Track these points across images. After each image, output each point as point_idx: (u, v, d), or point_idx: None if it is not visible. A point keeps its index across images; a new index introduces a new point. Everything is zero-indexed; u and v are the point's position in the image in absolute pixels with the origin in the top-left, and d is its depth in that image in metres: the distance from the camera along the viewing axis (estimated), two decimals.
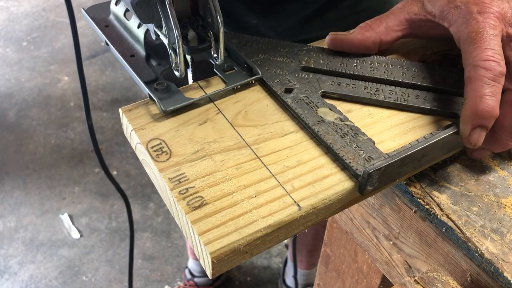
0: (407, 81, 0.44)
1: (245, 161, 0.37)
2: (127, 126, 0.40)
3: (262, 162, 0.37)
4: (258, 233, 0.32)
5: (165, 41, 0.41)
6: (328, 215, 0.37)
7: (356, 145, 0.38)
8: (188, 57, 0.44)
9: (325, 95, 0.43)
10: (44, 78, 2.41)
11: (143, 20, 0.41)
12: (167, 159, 0.37)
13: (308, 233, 1.33)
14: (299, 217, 0.34)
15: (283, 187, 0.35)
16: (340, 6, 0.73)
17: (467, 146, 0.38)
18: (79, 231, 1.75)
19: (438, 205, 0.39)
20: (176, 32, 0.38)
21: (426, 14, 0.43)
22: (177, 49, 0.39)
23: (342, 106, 0.43)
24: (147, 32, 0.44)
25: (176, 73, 0.42)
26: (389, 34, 0.45)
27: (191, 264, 1.59)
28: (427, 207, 0.39)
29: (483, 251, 0.35)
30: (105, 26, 0.49)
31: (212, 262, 0.31)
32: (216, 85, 0.44)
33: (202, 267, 1.57)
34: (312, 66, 0.46)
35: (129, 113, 0.41)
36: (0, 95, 2.30)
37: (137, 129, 0.39)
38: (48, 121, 2.17)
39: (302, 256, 1.44)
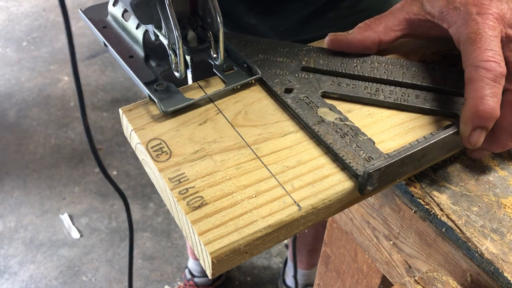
0: (407, 81, 0.44)
1: (245, 161, 0.37)
2: (127, 126, 0.40)
3: (262, 162, 0.37)
4: (258, 233, 0.32)
5: (165, 41, 0.41)
6: (328, 215, 0.37)
7: (356, 145, 0.38)
8: (188, 58, 0.44)
9: (325, 95, 0.43)
10: (44, 78, 2.41)
11: (142, 21, 0.41)
12: (167, 159, 0.37)
13: (308, 233, 1.33)
14: (299, 217, 0.34)
15: (283, 187, 0.35)
16: (340, 6, 0.73)
17: (466, 146, 0.38)
18: (79, 231, 1.75)
19: (438, 205, 0.39)
20: (176, 33, 0.38)
21: (425, 14, 0.43)
22: (177, 50, 0.39)
23: (342, 106, 0.43)
24: (145, 33, 0.44)
25: (176, 74, 0.42)
26: (388, 34, 0.45)
27: (191, 264, 1.59)
28: (427, 207, 0.39)
29: (483, 251, 0.35)
30: (103, 27, 0.49)
31: (212, 262, 0.31)
32: (216, 85, 0.44)
33: (202, 267, 1.57)
34: (312, 66, 0.46)
35: (129, 113, 0.41)
36: (0, 95, 2.30)
37: (137, 129, 0.39)
38: (48, 121, 2.17)
39: (302, 256, 1.44)
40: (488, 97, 0.36)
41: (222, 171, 0.36)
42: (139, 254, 1.69)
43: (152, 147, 0.38)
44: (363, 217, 0.49)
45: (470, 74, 0.37)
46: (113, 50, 0.45)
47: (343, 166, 0.37)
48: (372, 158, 0.37)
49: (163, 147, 0.38)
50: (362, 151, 0.37)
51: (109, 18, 0.49)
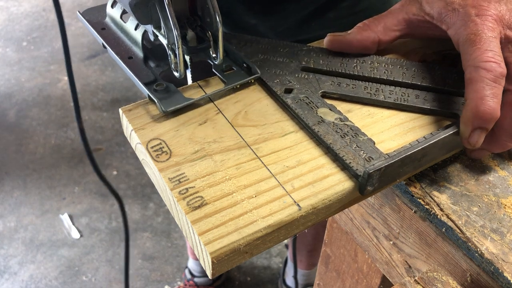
0: (407, 81, 0.44)
1: (245, 161, 0.37)
2: (127, 126, 0.40)
3: (262, 162, 0.37)
4: (258, 233, 0.32)
5: (164, 41, 0.41)
6: (328, 215, 0.37)
7: (356, 145, 0.38)
8: (187, 58, 0.44)
9: (325, 95, 0.43)
10: (44, 78, 2.41)
11: (141, 21, 0.41)
12: (167, 159, 0.37)
13: (308, 233, 1.33)
14: (299, 217, 0.34)
15: (283, 187, 0.35)
16: (339, 6, 0.73)
17: (466, 147, 0.38)
18: (79, 231, 1.75)
19: (438, 205, 0.39)
20: (175, 32, 0.38)
21: (424, 15, 0.43)
22: (176, 50, 0.39)
23: (342, 106, 0.43)
24: (144, 34, 0.44)
25: (176, 74, 0.42)
26: (388, 34, 0.46)
27: (191, 264, 1.59)
28: (427, 207, 0.39)
29: (483, 251, 0.35)
30: (102, 28, 0.49)
31: (212, 262, 0.31)
32: (216, 85, 0.44)
33: (202, 267, 1.57)
34: (312, 66, 0.46)
35: (129, 113, 0.41)
36: (0, 95, 2.30)
37: (137, 129, 0.39)
38: (48, 121, 2.17)
39: (302, 256, 1.44)
40: (488, 97, 0.36)
41: (222, 171, 0.36)
42: (139, 254, 1.69)
43: (152, 147, 0.38)
44: (363, 217, 0.49)
45: (471, 75, 0.37)
46: (112, 52, 0.45)
47: (343, 166, 0.37)
48: (372, 158, 0.37)
49: (163, 147, 0.38)
50: (362, 151, 0.37)
51: (107, 19, 0.49)
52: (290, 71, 0.45)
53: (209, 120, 0.40)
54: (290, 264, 1.54)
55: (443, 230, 0.38)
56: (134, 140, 0.39)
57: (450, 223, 0.37)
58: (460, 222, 0.37)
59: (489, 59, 0.37)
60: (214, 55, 0.43)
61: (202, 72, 0.45)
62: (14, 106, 2.24)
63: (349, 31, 0.47)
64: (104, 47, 0.47)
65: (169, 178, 0.35)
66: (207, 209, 0.33)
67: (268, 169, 0.36)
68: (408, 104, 0.42)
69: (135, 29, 0.45)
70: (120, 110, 0.41)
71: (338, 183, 0.36)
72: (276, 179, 0.36)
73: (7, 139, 2.08)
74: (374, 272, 0.57)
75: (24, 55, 2.55)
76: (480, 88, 0.36)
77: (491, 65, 0.36)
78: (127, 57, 0.45)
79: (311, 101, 0.42)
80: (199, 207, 0.33)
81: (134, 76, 0.42)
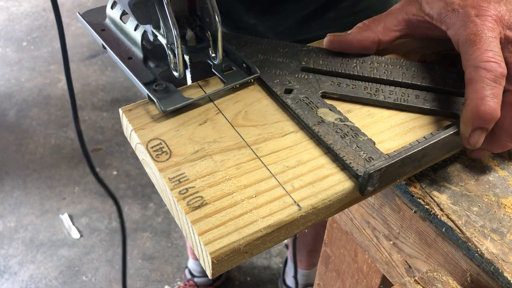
0: (407, 81, 0.44)
1: (245, 161, 0.37)
2: (127, 126, 0.40)
3: (262, 162, 0.37)
4: (258, 233, 0.32)
5: (163, 41, 0.41)
6: (328, 215, 0.37)
7: (357, 146, 0.38)
8: (187, 58, 0.44)
9: (325, 95, 0.43)
10: (44, 78, 2.41)
11: (140, 21, 0.41)
12: (167, 159, 0.37)
13: (308, 233, 1.33)
14: (299, 217, 0.34)
15: (283, 187, 0.35)
16: (339, 6, 0.73)
17: (466, 147, 0.38)
18: (79, 231, 1.75)
19: (438, 205, 0.39)
20: (174, 32, 0.38)
21: (424, 15, 0.43)
22: (176, 49, 0.39)
23: (342, 106, 0.43)
24: (144, 34, 0.45)
25: (175, 74, 0.42)
26: (388, 34, 0.46)
27: (191, 264, 1.59)
28: (427, 207, 0.39)
29: (483, 251, 0.35)
30: (102, 30, 0.49)
31: (212, 262, 0.31)
32: (215, 85, 0.44)
33: (202, 267, 1.57)
34: (312, 66, 0.46)
35: (129, 113, 0.41)
36: (0, 95, 2.30)
37: (137, 129, 0.39)
38: (48, 121, 2.17)
39: (302, 256, 1.44)
40: (488, 98, 0.36)
41: (222, 171, 0.36)
42: (139, 254, 1.69)
43: (152, 147, 0.38)
44: (363, 217, 0.49)
45: (471, 75, 0.37)
46: (112, 52, 0.46)
47: (343, 166, 0.37)
48: (373, 159, 0.37)
49: (163, 147, 0.38)
50: (363, 152, 0.37)
51: (107, 21, 0.50)
52: (290, 71, 0.45)
53: (209, 120, 0.40)
54: (290, 264, 1.54)
55: (443, 230, 0.38)
56: (134, 140, 0.39)
57: (450, 223, 0.37)
58: (460, 222, 0.37)
59: (489, 59, 0.37)
60: (213, 55, 0.43)
61: (202, 73, 0.45)
62: (14, 106, 2.24)
63: (349, 31, 0.47)
64: (104, 48, 0.47)
65: (169, 178, 0.35)
66: (207, 209, 0.33)
67: (268, 169, 0.36)
68: (408, 104, 0.42)
69: (135, 29, 0.45)
70: (120, 110, 0.41)
71: (338, 183, 0.36)
72: (276, 179, 0.36)
73: (7, 139, 2.08)
74: (374, 272, 0.57)
75: (24, 55, 2.55)
76: (480, 88, 0.36)
77: (491, 65, 0.36)
78: (127, 57, 0.45)
79: (311, 101, 0.42)
80: (199, 207, 0.33)
81: (134, 76, 0.43)
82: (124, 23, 0.47)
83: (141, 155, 0.39)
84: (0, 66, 2.48)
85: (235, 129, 0.39)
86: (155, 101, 0.40)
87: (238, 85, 0.43)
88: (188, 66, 0.45)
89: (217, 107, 0.42)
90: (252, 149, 0.38)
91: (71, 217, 1.80)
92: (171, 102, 0.40)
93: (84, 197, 1.86)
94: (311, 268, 1.49)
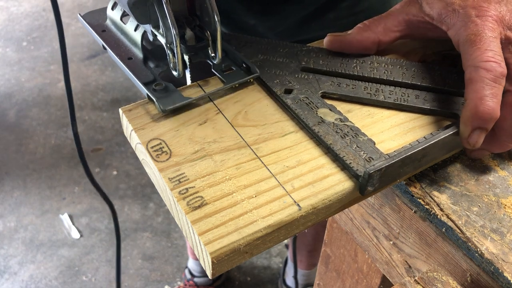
0: (407, 81, 0.44)
1: (245, 161, 0.37)
2: (127, 126, 0.40)
3: (262, 162, 0.37)
4: (258, 233, 0.32)
5: (163, 41, 0.41)
6: (328, 215, 0.37)
7: (357, 146, 0.38)
8: (186, 57, 0.44)
9: (325, 95, 0.43)
10: (44, 78, 2.41)
11: (140, 20, 0.41)
12: (167, 159, 0.37)
13: (308, 233, 1.33)
14: (299, 217, 0.34)
15: (283, 187, 0.35)
16: (339, 7, 0.73)
17: (466, 147, 0.38)
18: (79, 231, 1.75)
19: (438, 205, 0.39)
20: (173, 31, 0.38)
21: (424, 16, 0.43)
22: (175, 48, 0.39)
23: (342, 106, 0.43)
24: (144, 35, 0.45)
25: (174, 73, 0.42)
26: (388, 35, 0.45)
27: (191, 264, 1.59)
28: (427, 207, 0.39)
29: (483, 251, 0.35)
30: (102, 31, 0.49)
31: (212, 262, 0.31)
32: (215, 85, 0.44)
33: (202, 267, 1.57)
34: (312, 66, 0.46)
35: (129, 113, 0.41)
36: (0, 95, 2.30)
37: (137, 129, 0.39)
38: (48, 121, 2.17)
39: (302, 256, 1.44)
40: (488, 97, 0.36)
41: (222, 171, 0.36)
42: (139, 254, 1.69)
43: (152, 147, 0.38)
44: (363, 217, 0.49)
45: (470, 75, 0.37)
46: (112, 53, 0.46)
47: (343, 166, 0.37)
48: (373, 159, 0.37)
49: (163, 147, 0.38)
50: (363, 152, 0.37)
51: (108, 22, 0.50)
52: (290, 71, 0.45)
53: (209, 120, 0.40)
54: (290, 264, 1.54)
55: (443, 230, 0.38)
56: (134, 140, 0.39)
57: (450, 223, 0.37)
58: (460, 222, 0.37)
59: (489, 59, 0.37)
60: (212, 55, 0.43)
61: (202, 73, 0.45)
62: (14, 106, 2.24)
63: (349, 32, 0.47)
64: (105, 48, 0.47)
65: (169, 178, 0.35)
66: (207, 209, 0.33)
67: (268, 169, 0.36)
68: (408, 104, 0.42)
69: (135, 30, 0.45)
70: (120, 110, 0.41)
71: (338, 183, 0.36)
72: (276, 179, 0.36)
73: (7, 139, 2.08)
74: (374, 272, 0.57)
75: (24, 55, 2.55)
76: (479, 88, 0.36)
77: (491, 65, 0.36)
78: (127, 58, 0.45)
79: (311, 101, 0.42)
80: (199, 207, 0.33)
81: (134, 76, 0.43)
82: (125, 24, 0.47)
83: (141, 155, 0.39)
84: (0, 66, 2.48)
85: (235, 129, 0.39)
86: (154, 100, 0.40)
87: (237, 85, 0.43)
88: (188, 66, 0.45)
89: (217, 107, 0.42)
90: (252, 149, 0.38)
91: (71, 217, 1.80)
92: (170, 102, 0.40)
93: (84, 197, 1.86)
94: (311, 268, 1.49)
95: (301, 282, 1.51)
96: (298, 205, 0.34)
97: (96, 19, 0.51)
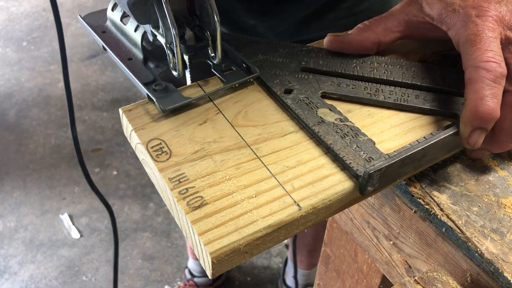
0: (406, 81, 0.44)
1: (245, 161, 0.37)
2: (127, 126, 0.40)
3: (262, 162, 0.37)
4: (258, 233, 0.32)
5: (162, 41, 0.41)
6: (328, 215, 0.37)
7: (357, 146, 0.38)
8: (186, 57, 0.44)
9: (325, 95, 0.43)
10: (44, 78, 2.41)
11: (139, 20, 0.41)
12: (167, 159, 0.37)
13: (308, 233, 1.33)
14: (299, 217, 0.34)
15: (283, 187, 0.35)
16: (339, 7, 0.73)
17: (466, 147, 0.38)
18: (79, 231, 1.75)
19: (438, 205, 0.39)
20: (173, 31, 0.38)
21: (424, 16, 0.43)
22: (175, 48, 0.39)
23: (342, 106, 0.43)
24: (144, 35, 0.45)
25: (174, 73, 0.42)
26: (388, 35, 0.46)
27: (191, 264, 1.59)
28: (427, 207, 0.39)
29: (483, 251, 0.35)
30: (102, 32, 0.49)
31: (212, 262, 0.31)
32: (215, 85, 0.44)
33: (202, 267, 1.57)
34: (312, 66, 0.46)
35: (129, 113, 0.41)
36: (0, 95, 2.30)
37: (137, 129, 0.39)
38: (48, 121, 2.17)
39: (302, 256, 1.44)
40: (488, 98, 0.36)
41: (222, 171, 0.36)
42: (139, 254, 1.69)
43: (152, 147, 0.38)
44: (363, 217, 0.49)
45: (470, 75, 0.37)
46: (112, 54, 0.46)
47: (343, 166, 0.37)
48: (373, 159, 0.37)
49: (163, 147, 0.38)
50: (363, 152, 0.37)
51: (108, 23, 0.50)
52: (290, 71, 0.45)
53: (209, 120, 0.40)
54: (290, 264, 1.54)
55: (443, 230, 0.38)
56: (134, 140, 0.39)
57: (450, 223, 0.37)
58: (460, 222, 0.37)
59: (489, 59, 0.37)
60: (212, 55, 0.43)
61: (202, 73, 0.45)
62: (14, 106, 2.24)
63: (349, 32, 0.47)
64: (105, 49, 0.47)
65: (169, 178, 0.35)
66: (207, 209, 0.33)
67: (268, 169, 0.36)
68: (408, 104, 0.42)
69: (135, 31, 0.45)
70: (120, 110, 0.41)
71: (338, 183, 0.36)
72: (276, 179, 0.36)
73: (7, 139, 2.08)
74: (374, 272, 0.57)
75: (24, 55, 2.55)
76: (479, 88, 0.36)
77: (491, 65, 0.36)
78: (127, 58, 0.45)
79: (311, 101, 0.42)
80: (199, 207, 0.33)
81: (134, 77, 0.43)
82: (125, 25, 0.47)
83: (141, 155, 0.39)
84: (0, 66, 2.48)
85: (235, 129, 0.39)
86: (154, 100, 0.40)
87: (237, 85, 0.43)
88: (188, 66, 0.45)
89: (217, 107, 0.42)
90: (252, 149, 0.38)
91: (71, 217, 1.80)
92: (170, 101, 0.40)
93: (84, 197, 1.86)
94: (311, 268, 1.49)
95: (301, 282, 1.51)
96: (298, 205, 0.34)
97: (96, 20, 0.51)
